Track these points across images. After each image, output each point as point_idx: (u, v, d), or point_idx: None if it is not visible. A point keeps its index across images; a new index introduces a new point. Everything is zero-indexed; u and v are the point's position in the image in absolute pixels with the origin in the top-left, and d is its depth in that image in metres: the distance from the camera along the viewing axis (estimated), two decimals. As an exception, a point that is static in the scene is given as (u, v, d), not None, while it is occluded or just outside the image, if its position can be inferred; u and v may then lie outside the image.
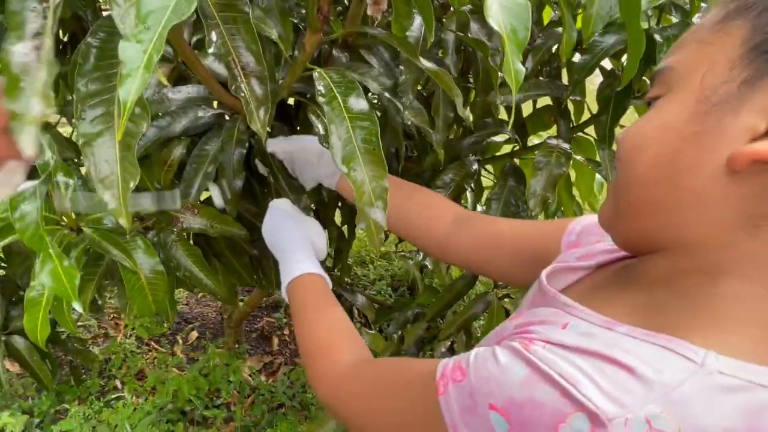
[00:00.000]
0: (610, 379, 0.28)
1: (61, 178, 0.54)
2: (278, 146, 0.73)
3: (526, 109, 1.26)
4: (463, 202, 1.57)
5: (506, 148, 1.38)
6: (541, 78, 1.12)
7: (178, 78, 0.81)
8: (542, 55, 0.99)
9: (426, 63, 0.51)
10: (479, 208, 1.44)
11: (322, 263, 0.68)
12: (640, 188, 0.34)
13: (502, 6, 0.25)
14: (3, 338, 1.34)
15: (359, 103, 0.49)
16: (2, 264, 1.11)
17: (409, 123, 0.61)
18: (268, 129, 0.52)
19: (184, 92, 0.76)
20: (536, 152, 1.01)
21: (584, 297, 0.37)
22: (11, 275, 0.81)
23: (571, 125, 1.16)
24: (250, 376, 1.95)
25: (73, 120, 0.40)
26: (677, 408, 0.27)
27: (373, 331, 1.82)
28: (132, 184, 0.39)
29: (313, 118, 0.57)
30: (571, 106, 1.18)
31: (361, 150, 0.47)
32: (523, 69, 0.26)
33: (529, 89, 1.02)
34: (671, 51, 0.35)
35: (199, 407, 1.76)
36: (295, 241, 0.65)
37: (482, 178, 1.56)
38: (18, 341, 1.36)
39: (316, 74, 0.51)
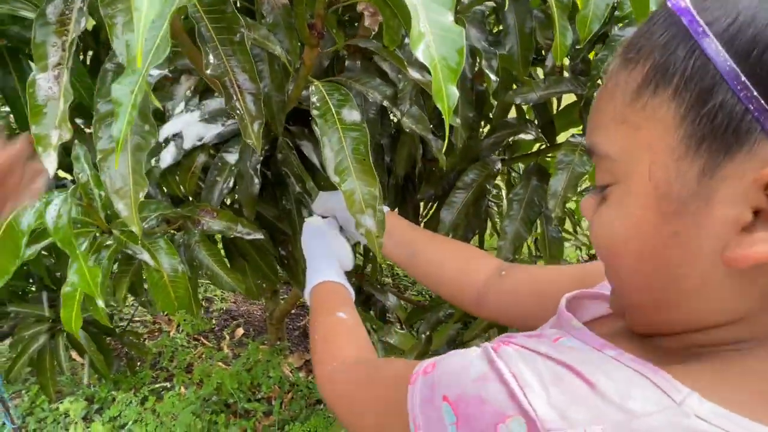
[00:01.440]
0: (563, 390, 0.27)
1: (94, 189, 0.61)
2: (322, 206, 0.77)
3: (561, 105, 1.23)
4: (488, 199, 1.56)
5: (535, 147, 1.36)
6: (565, 74, 1.10)
7: (204, 90, 0.87)
8: (562, 52, 0.97)
9: (414, 74, 0.53)
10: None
11: (350, 276, 0.72)
12: (632, 292, 0.32)
13: (433, 35, 0.25)
14: (65, 330, 1.48)
15: (352, 115, 0.52)
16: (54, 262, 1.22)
17: (408, 130, 0.63)
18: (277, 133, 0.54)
19: (210, 106, 0.82)
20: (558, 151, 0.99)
21: (604, 330, 0.35)
22: (64, 275, 0.91)
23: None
24: (290, 372, 2.03)
25: (93, 138, 0.46)
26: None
27: (403, 331, 1.84)
28: (141, 195, 0.44)
29: (314, 127, 0.60)
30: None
31: (351, 160, 0.50)
32: (456, 93, 0.27)
33: (550, 86, 1.00)
34: (595, 123, 0.32)
35: (241, 400, 1.85)
36: (320, 253, 0.70)
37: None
38: (79, 333, 1.50)
39: (312, 87, 0.54)
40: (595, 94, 1.07)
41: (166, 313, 2.39)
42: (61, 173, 1.05)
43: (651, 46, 0.28)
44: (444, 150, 0.66)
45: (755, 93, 0.24)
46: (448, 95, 0.27)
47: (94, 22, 1.03)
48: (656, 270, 0.29)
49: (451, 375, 0.32)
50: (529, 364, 0.29)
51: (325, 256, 0.70)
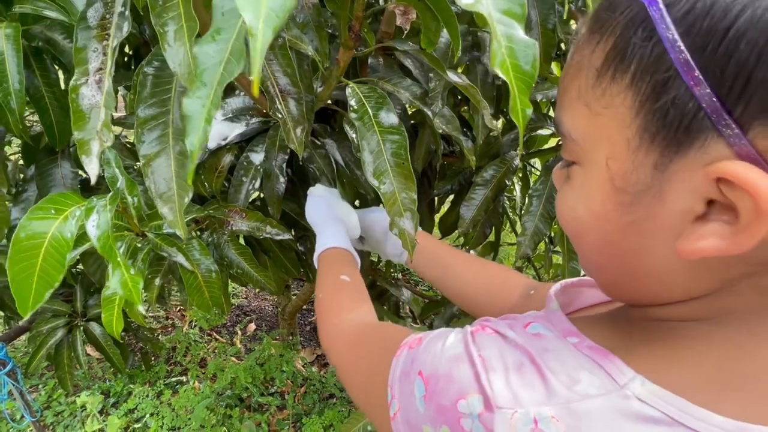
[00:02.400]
0: (521, 375, 0.29)
1: (128, 193, 0.61)
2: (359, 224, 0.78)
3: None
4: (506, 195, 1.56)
5: (553, 142, 1.35)
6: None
7: (227, 89, 0.87)
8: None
9: (453, 77, 0.53)
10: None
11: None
12: (597, 271, 0.34)
13: (509, 50, 0.25)
14: (81, 325, 1.49)
15: (389, 118, 0.51)
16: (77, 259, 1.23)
17: (440, 131, 0.62)
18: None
19: (233, 104, 0.82)
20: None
21: (584, 318, 0.37)
22: (86, 271, 0.91)
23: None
24: (303, 366, 2.04)
25: (135, 142, 0.46)
26: (572, 419, 0.26)
27: (418, 325, 1.84)
28: (186, 199, 0.44)
29: (347, 128, 0.60)
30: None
31: (390, 163, 0.50)
32: (531, 110, 0.26)
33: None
34: (561, 100, 0.31)
35: (254, 394, 1.87)
36: (327, 220, 0.71)
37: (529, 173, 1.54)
38: (95, 328, 1.51)
39: (349, 90, 0.54)
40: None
41: (179, 308, 2.41)
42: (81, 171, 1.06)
43: (613, 24, 0.27)
44: (471, 152, 0.65)
45: (708, 90, 0.23)
46: (524, 110, 0.26)
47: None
48: (614, 255, 0.31)
49: (430, 353, 0.34)
50: (497, 349, 0.31)
51: (333, 222, 0.71)
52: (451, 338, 0.34)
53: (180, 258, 0.60)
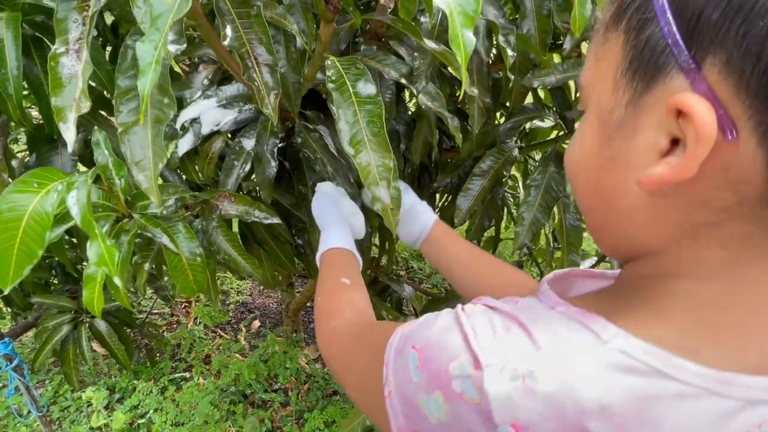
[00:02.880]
0: (508, 338, 0.30)
1: (114, 173, 0.62)
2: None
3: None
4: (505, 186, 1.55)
5: (552, 134, 1.34)
6: (583, 58, 1.08)
7: (222, 78, 0.87)
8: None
9: (430, 44, 0.53)
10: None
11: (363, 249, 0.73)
12: (587, 213, 0.36)
13: None
14: (87, 321, 1.51)
15: (367, 88, 0.51)
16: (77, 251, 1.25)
17: (424, 107, 0.62)
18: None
19: (227, 91, 0.82)
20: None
21: (575, 297, 0.38)
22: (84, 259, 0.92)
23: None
24: (306, 363, 2.04)
25: (114, 112, 0.46)
26: (557, 371, 0.27)
27: (420, 321, 1.83)
28: (160, 166, 0.44)
29: (330, 105, 0.60)
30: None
31: (366, 132, 0.50)
32: (473, 39, 0.26)
33: (569, 69, 0.98)
34: (586, 58, 0.34)
35: (258, 391, 1.87)
36: (333, 219, 0.71)
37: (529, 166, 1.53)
38: (100, 324, 1.52)
39: (328, 62, 0.54)
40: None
41: (184, 305, 2.42)
42: (82, 168, 1.07)
43: None
44: (458, 130, 0.64)
45: (674, 28, 0.25)
46: (464, 42, 0.26)
47: (113, 18, 1.05)
48: (597, 192, 0.33)
49: (422, 328, 0.35)
50: (486, 318, 0.32)
51: (338, 221, 0.71)
52: (443, 313, 0.35)
53: (164, 239, 0.60)
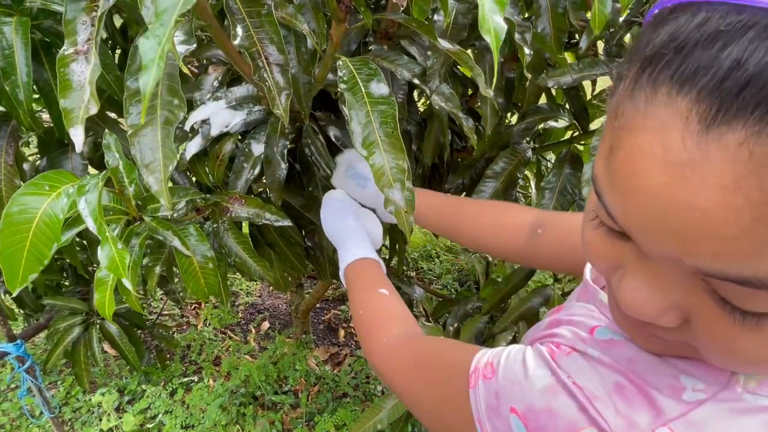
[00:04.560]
0: (626, 399, 0.28)
1: (125, 176, 0.61)
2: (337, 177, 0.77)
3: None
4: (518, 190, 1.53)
5: (567, 134, 1.32)
6: (600, 56, 1.06)
7: (232, 80, 0.87)
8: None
9: (445, 44, 0.51)
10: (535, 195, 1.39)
11: (379, 252, 0.71)
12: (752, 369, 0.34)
13: None
14: (98, 323, 1.51)
15: (380, 88, 0.50)
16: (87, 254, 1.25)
17: (437, 107, 0.60)
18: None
19: (236, 92, 0.81)
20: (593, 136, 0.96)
21: None
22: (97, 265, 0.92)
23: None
24: (316, 365, 2.03)
25: (123, 113, 0.45)
26: (692, 430, 0.26)
27: (431, 324, 1.82)
28: (170, 168, 0.44)
29: (342, 106, 0.59)
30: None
31: (379, 133, 0.49)
32: (504, 25, 0.24)
33: (584, 69, 0.96)
34: (745, 250, 0.28)
35: (268, 393, 1.86)
36: (351, 229, 0.69)
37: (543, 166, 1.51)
38: (111, 326, 1.53)
39: (339, 62, 0.52)
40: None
41: (194, 307, 2.43)
42: (92, 171, 1.07)
43: None
44: (472, 131, 0.63)
45: None
46: (494, 27, 0.24)
47: (122, 20, 1.05)
48: None
49: (516, 386, 0.33)
50: (588, 374, 0.30)
51: (357, 230, 0.69)
52: (531, 364, 0.33)
53: (176, 242, 0.60)
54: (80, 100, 0.39)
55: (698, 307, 0.24)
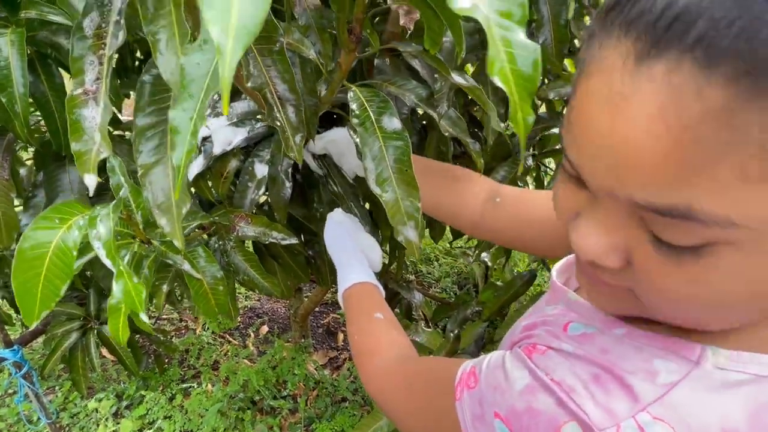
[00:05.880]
0: (603, 388, 0.28)
1: (132, 201, 0.61)
2: (315, 146, 0.76)
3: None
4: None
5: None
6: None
7: (232, 94, 0.86)
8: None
9: (458, 78, 0.51)
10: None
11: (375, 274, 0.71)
12: (686, 320, 0.33)
13: (509, 56, 0.23)
14: (95, 328, 1.50)
15: (392, 123, 0.50)
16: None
17: (446, 134, 0.61)
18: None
19: (237, 108, 0.81)
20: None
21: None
22: (95, 277, 0.92)
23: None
24: (314, 370, 2.04)
25: (133, 152, 0.45)
26: (671, 412, 0.26)
27: (430, 329, 1.83)
28: (184, 210, 0.43)
29: (351, 133, 0.59)
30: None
31: (393, 170, 0.49)
32: (533, 117, 0.24)
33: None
34: (694, 182, 0.28)
35: (266, 397, 1.86)
36: (349, 252, 0.70)
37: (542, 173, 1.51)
38: (108, 331, 1.52)
39: (351, 94, 0.52)
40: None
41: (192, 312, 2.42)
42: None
43: None
44: (480, 155, 0.63)
45: None
46: (525, 118, 0.25)
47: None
48: (748, 307, 0.26)
49: (497, 391, 0.33)
50: (564, 369, 0.30)
51: (355, 254, 0.70)
52: (510, 366, 0.33)
53: (186, 266, 0.60)
54: (92, 144, 0.39)
55: (637, 248, 0.26)
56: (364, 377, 0.56)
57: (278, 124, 0.49)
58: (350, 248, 0.70)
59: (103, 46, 0.41)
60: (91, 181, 0.39)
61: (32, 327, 0.46)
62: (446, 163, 0.68)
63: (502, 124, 0.96)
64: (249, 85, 0.46)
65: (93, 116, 0.39)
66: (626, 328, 0.31)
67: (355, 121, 0.51)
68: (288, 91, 0.48)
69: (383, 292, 0.67)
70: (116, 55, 0.40)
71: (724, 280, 0.25)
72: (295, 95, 0.49)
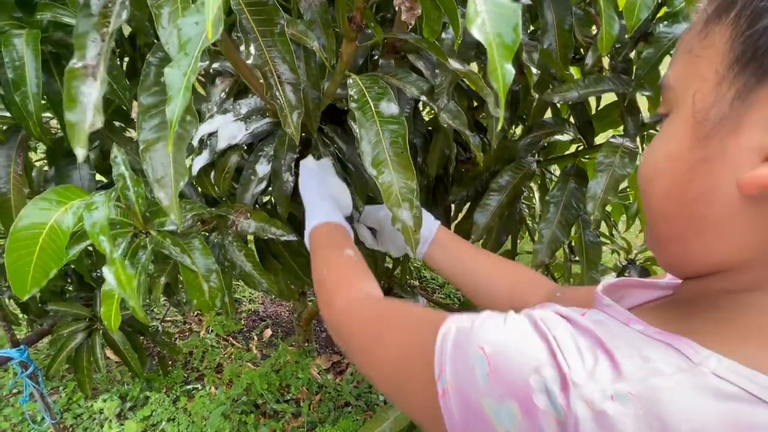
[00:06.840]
0: (594, 358, 0.28)
1: (131, 192, 0.61)
2: (370, 220, 0.78)
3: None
4: (523, 202, 1.53)
5: (572, 148, 1.32)
6: (605, 73, 1.06)
7: (239, 91, 0.87)
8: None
9: (455, 64, 0.52)
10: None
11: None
12: (660, 222, 0.34)
13: (488, 13, 0.24)
14: (101, 329, 1.51)
15: (390, 108, 0.50)
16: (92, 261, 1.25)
17: (446, 125, 0.61)
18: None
19: (244, 105, 0.82)
20: (599, 152, 0.96)
21: (642, 312, 0.36)
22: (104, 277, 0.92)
23: (642, 122, 1.08)
24: (318, 374, 2.03)
25: (136, 129, 0.46)
26: (647, 394, 0.26)
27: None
28: (182, 183, 0.44)
29: (351, 123, 0.59)
30: (645, 102, 1.10)
31: (389, 153, 0.49)
32: (512, 70, 0.25)
33: (590, 85, 0.97)
34: (671, 61, 0.33)
35: (270, 401, 1.85)
36: (317, 195, 0.68)
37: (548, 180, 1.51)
38: (114, 333, 1.53)
39: (350, 81, 0.53)
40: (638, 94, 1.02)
41: (196, 313, 2.43)
42: (99, 176, 1.07)
43: None
44: (479, 148, 0.63)
45: None
46: (503, 73, 0.25)
47: (130, 29, 1.06)
48: (680, 198, 0.31)
49: (490, 330, 0.33)
50: (567, 331, 0.30)
51: (325, 197, 0.68)
52: (513, 316, 0.34)
53: (182, 256, 0.60)
54: (85, 114, 0.40)
55: (680, 105, 0.31)
56: (326, 304, 0.53)
57: (278, 102, 0.49)
58: (319, 191, 0.69)
59: (107, 24, 0.42)
60: (82, 149, 0.40)
61: (24, 299, 0.46)
62: (504, 258, 0.68)
63: (501, 112, 0.96)
64: (250, 62, 0.47)
65: (90, 90, 0.40)
66: (644, 325, 0.30)
67: (353, 105, 0.51)
68: (288, 71, 0.49)
69: (351, 233, 0.65)
70: (116, 29, 0.41)
71: (656, 145, 0.32)
72: (295, 75, 0.49)
